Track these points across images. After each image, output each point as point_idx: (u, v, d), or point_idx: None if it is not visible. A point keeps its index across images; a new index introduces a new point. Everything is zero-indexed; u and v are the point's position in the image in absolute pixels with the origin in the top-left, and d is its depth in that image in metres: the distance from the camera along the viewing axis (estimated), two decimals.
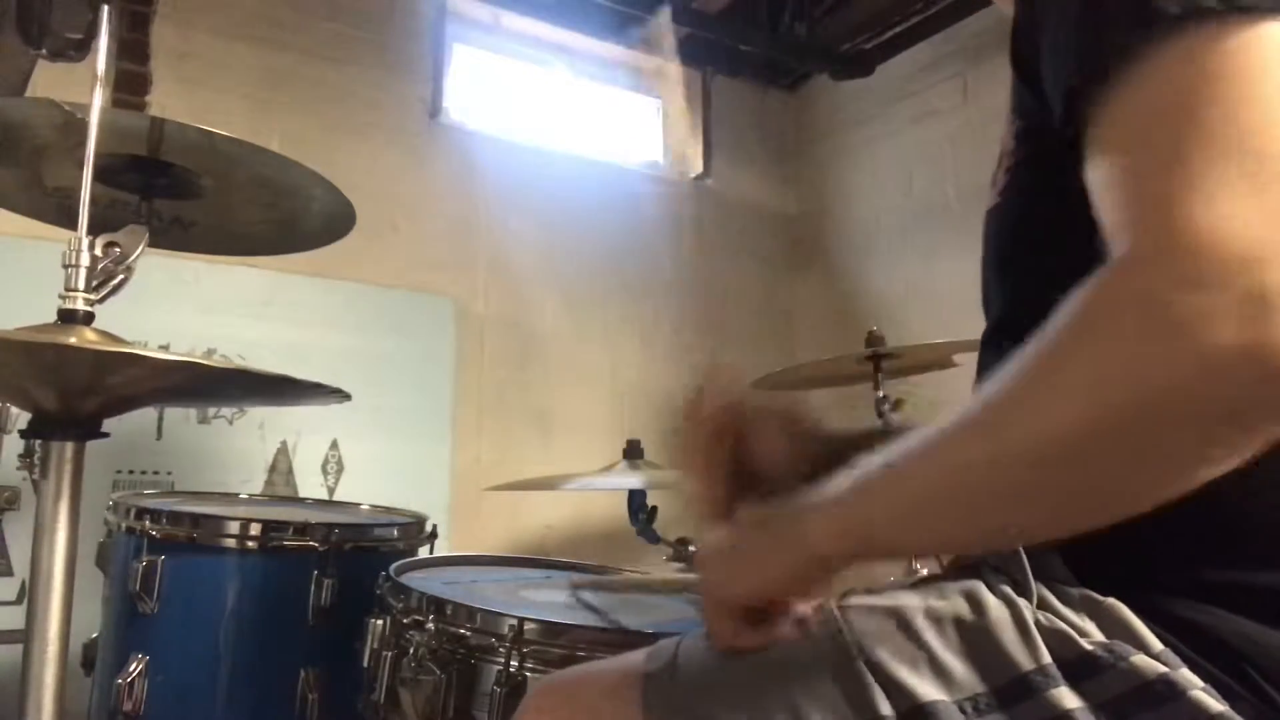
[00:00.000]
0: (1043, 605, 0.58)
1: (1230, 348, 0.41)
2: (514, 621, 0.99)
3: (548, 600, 1.25)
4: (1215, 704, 0.50)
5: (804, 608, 0.63)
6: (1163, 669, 0.52)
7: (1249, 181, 0.43)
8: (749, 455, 0.82)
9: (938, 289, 2.51)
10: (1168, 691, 0.51)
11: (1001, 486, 0.50)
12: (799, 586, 0.61)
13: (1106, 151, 0.50)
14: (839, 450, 0.85)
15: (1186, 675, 0.52)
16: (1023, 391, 0.48)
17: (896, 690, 0.55)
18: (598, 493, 2.33)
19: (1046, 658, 0.54)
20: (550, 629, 0.99)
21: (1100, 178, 0.50)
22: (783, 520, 0.61)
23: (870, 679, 0.56)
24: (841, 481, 0.57)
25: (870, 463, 0.55)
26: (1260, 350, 0.40)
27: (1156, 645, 0.54)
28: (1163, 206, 0.44)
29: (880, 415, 1.94)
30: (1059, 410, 0.46)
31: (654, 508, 1.69)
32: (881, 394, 1.86)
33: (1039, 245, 0.66)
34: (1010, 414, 0.48)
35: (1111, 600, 0.56)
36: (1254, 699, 0.52)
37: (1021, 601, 0.58)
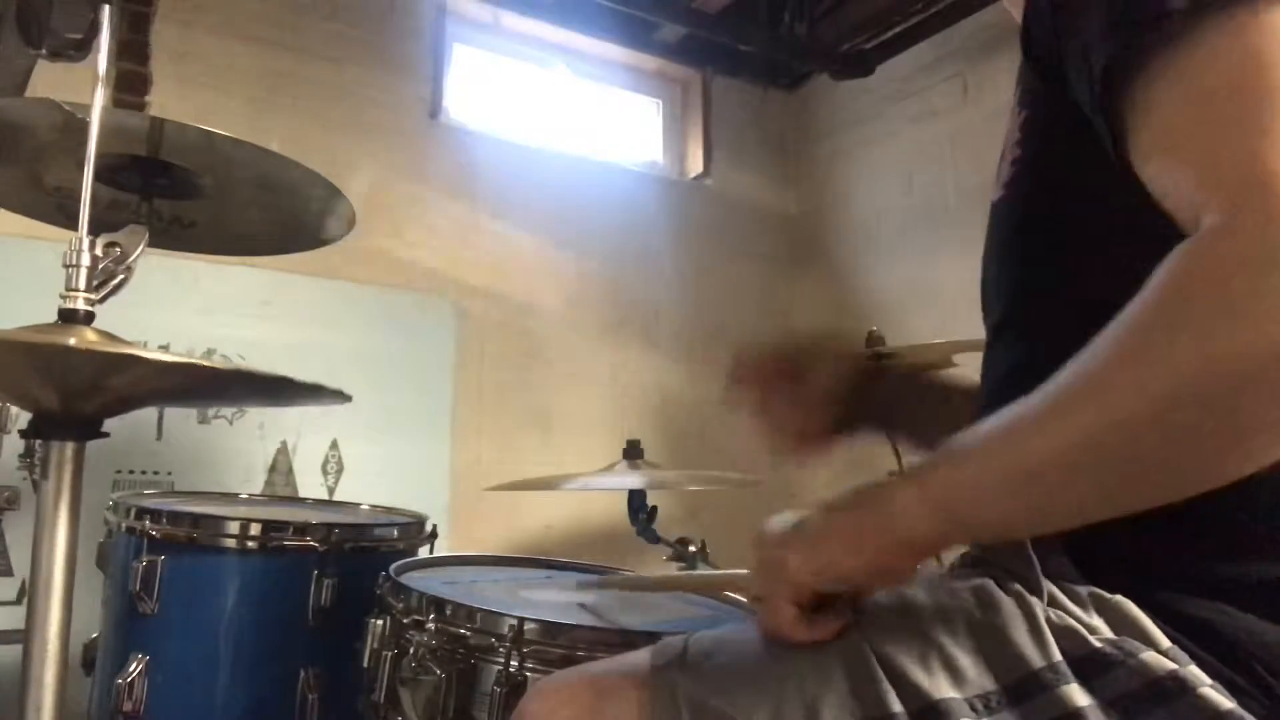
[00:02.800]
0: (1052, 603, 0.58)
1: None
2: (514, 621, 0.99)
3: (548, 600, 1.25)
4: (1224, 701, 0.51)
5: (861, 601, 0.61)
6: (1172, 665, 0.52)
7: None
8: (808, 385, 0.85)
9: (938, 289, 2.51)
10: (1177, 688, 0.51)
11: (1100, 459, 0.48)
12: (886, 573, 0.59)
13: (1169, 129, 0.49)
14: (900, 380, 0.89)
15: (1195, 672, 0.52)
16: (1120, 360, 0.47)
17: (907, 687, 0.55)
18: (598, 493, 2.33)
19: (1057, 655, 0.54)
20: (550, 629, 0.99)
21: (1166, 157, 0.49)
22: (869, 499, 0.59)
23: (881, 675, 0.56)
24: (930, 459, 0.56)
25: (959, 440, 0.55)
26: None
27: (1165, 642, 0.54)
28: (1251, 171, 0.43)
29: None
30: (1159, 378, 0.45)
31: (654, 508, 1.69)
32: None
33: (1045, 238, 0.66)
34: (1108, 387, 0.47)
35: (1119, 597, 0.56)
36: (1261, 695, 0.52)
37: (1032, 599, 0.58)
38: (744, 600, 1.24)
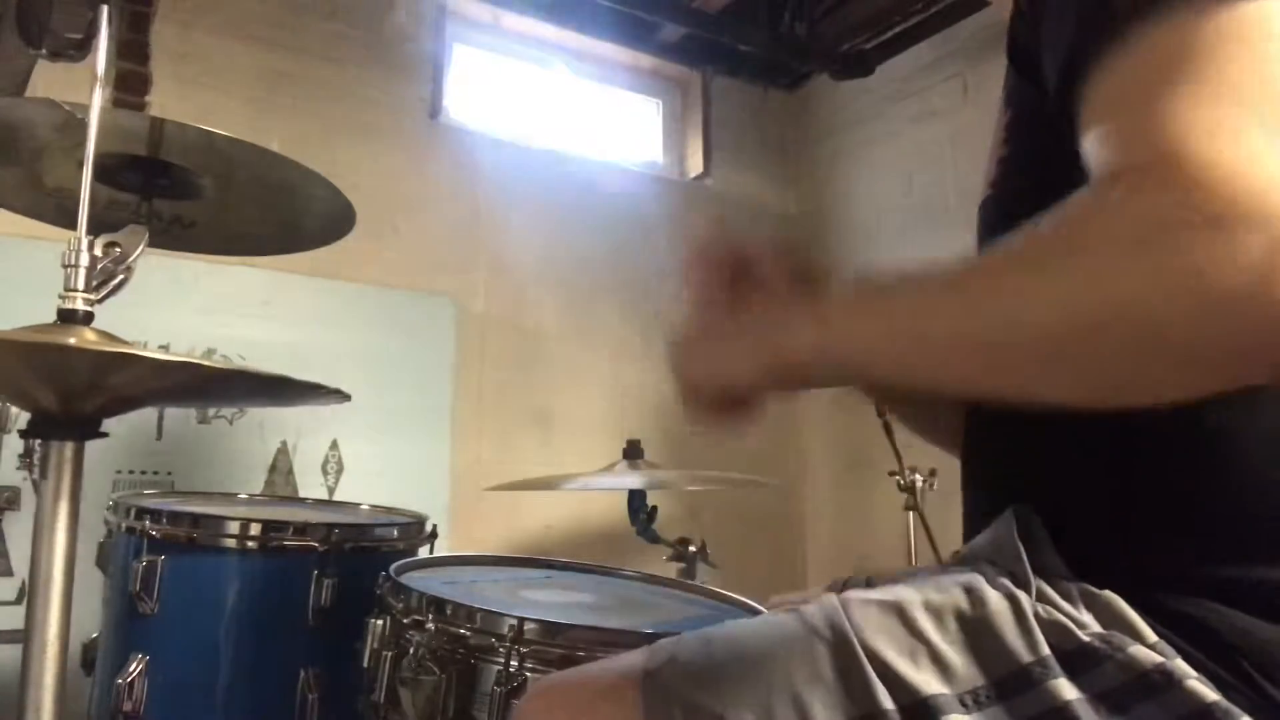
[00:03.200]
0: (1041, 598, 0.58)
1: (1240, 291, 0.40)
2: (514, 621, 0.99)
3: (548, 600, 1.25)
4: (1210, 693, 0.51)
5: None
6: (1159, 659, 0.52)
7: (1263, 128, 0.42)
8: (752, 283, 0.83)
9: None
10: (1164, 681, 0.52)
11: (975, 355, 0.49)
12: (766, 386, 0.62)
13: (1100, 108, 0.50)
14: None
15: (1182, 665, 0.52)
16: (1012, 274, 0.48)
17: (897, 683, 0.56)
18: (598, 493, 2.33)
19: (1045, 649, 0.55)
20: (550, 629, 0.99)
21: (1093, 132, 0.50)
22: (768, 322, 0.61)
23: (871, 672, 0.57)
24: (831, 300, 0.59)
25: (861, 289, 0.57)
26: (1270, 297, 0.40)
27: (1152, 636, 0.54)
28: (1180, 142, 0.43)
29: (880, 415, 1.94)
30: (1042, 304, 0.46)
31: (654, 508, 1.69)
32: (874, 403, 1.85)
33: None
34: (996, 291, 0.48)
35: (1108, 593, 0.57)
36: (1247, 689, 0.52)
37: (1020, 594, 0.58)
38: (744, 600, 1.24)
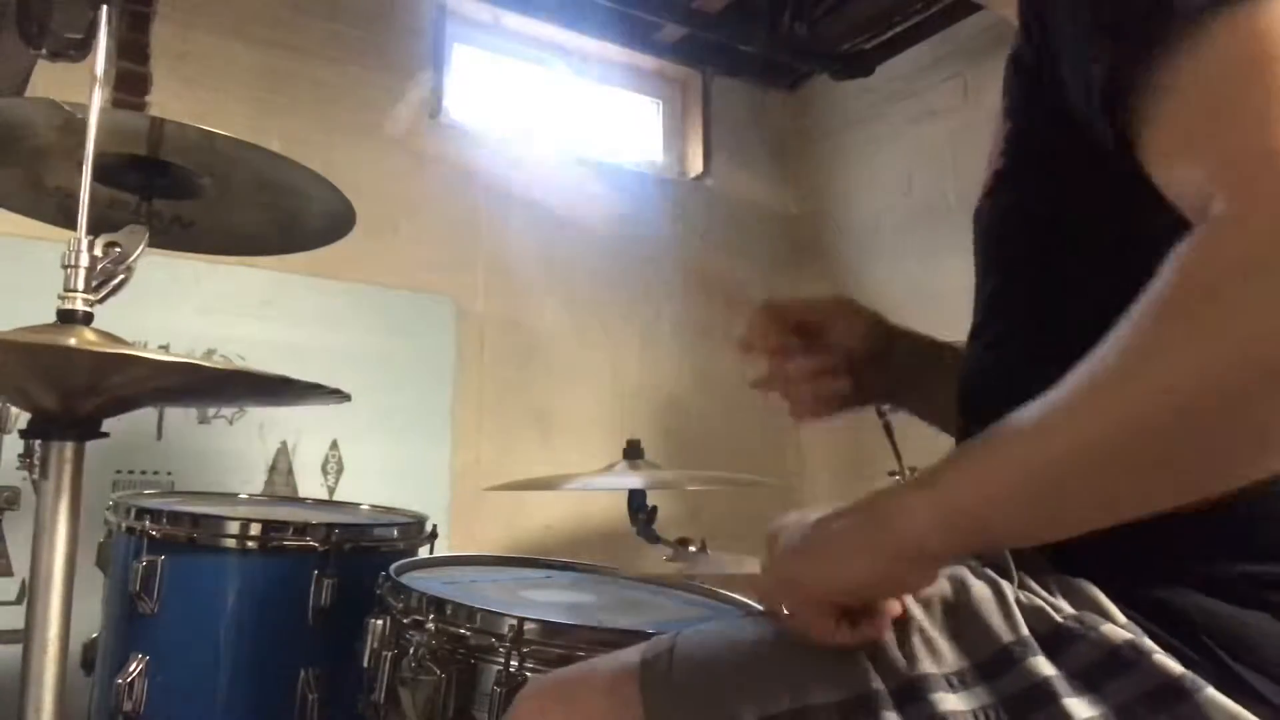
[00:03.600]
0: (1022, 586, 0.61)
1: None
2: (514, 621, 0.99)
3: (548, 600, 1.25)
4: (1177, 667, 0.53)
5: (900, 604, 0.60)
6: (1128, 636, 0.55)
7: None
8: (824, 344, 0.87)
9: (938, 289, 2.50)
10: (1133, 655, 0.53)
11: (1120, 461, 0.47)
12: (901, 583, 0.58)
13: (1176, 125, 0.49)
14: (892, 337, 0.91)
15: (1148, 642, 0.54)
16: (1135, 357, 0.46)
17: (887, 666, 0.58)
18: (598, 493, 2.33)
19: (1025, 630, 0.57)
20: (550, 629, 0.99)
21: (1179, 160, 0.49)
22: (879, 506, 0.57)
23: (864, 657, 0.59)
24: (943, 464, 0.55)
25: (974, 443, 0.53)
26: None
27: (1121, 617, 0.57)
28: (1260, 162, 0.43)
29: (880, 415, 1.94)
30: (1177, 373, 0.44)
31: (654, 508, 1.69)
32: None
33: (1021, 248, 0.68)
34: (1123, 383, 0.46)
35: (1082, 580, 0.60)
36: (1209, 664, 0.54)
37: (1004, 582, 0.61)
38: (744, 600, 1.24)
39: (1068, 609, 0.58)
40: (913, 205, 2.73)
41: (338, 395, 1.08)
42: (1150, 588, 0.57)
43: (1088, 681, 0.54)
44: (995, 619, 0.58)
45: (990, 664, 0.57)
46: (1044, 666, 0.54)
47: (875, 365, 0.89)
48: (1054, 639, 0.56)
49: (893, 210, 2.80)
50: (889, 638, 0.59)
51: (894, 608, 0.59)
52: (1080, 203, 0.59)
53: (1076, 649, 0.55)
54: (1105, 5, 0.53)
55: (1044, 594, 0.60)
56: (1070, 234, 0.62)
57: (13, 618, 1.82)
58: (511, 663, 0.96)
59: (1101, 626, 0.55)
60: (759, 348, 0.89)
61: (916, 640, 0.59)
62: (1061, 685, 0.53)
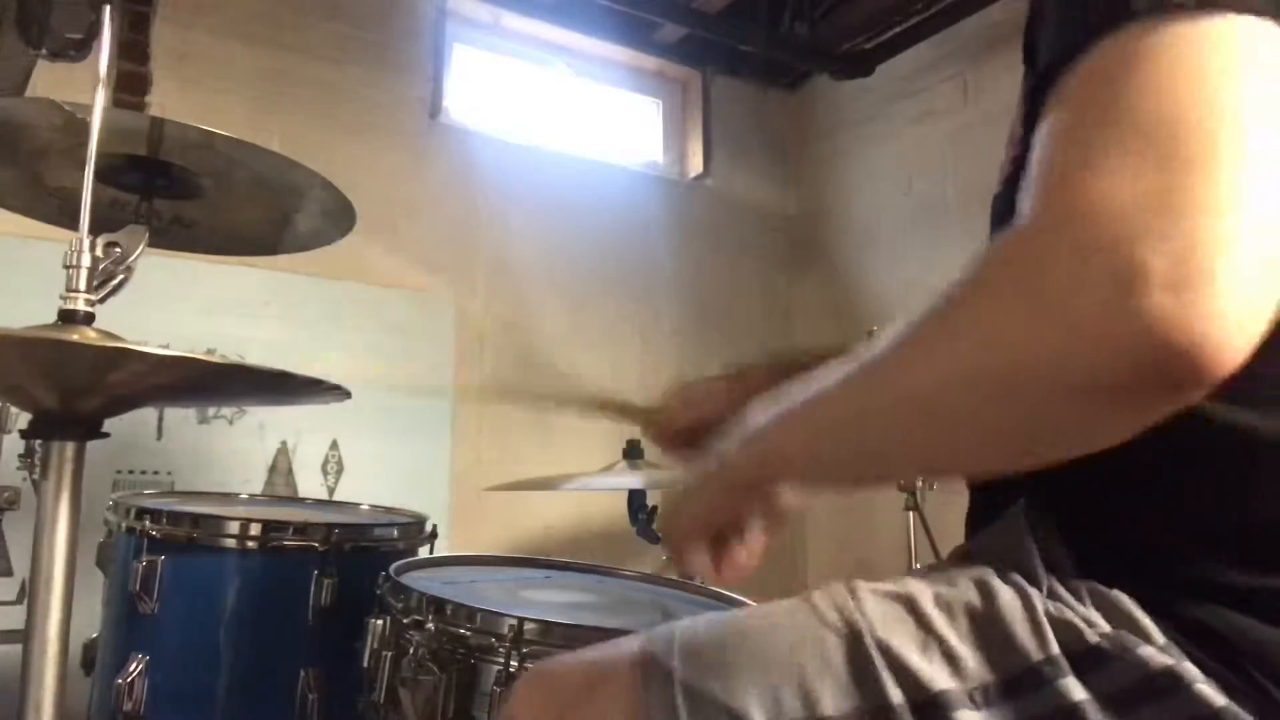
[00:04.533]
0: (1051, 595, 0.58)
1: (1094, 318, 0.42)
2: (514, 621, 0.99)
3: (548, 600, 1.25)
4: (1218, 697, 0.51)
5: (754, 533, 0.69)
6: (1168, 661, 0.52)
7: (1135, 162, 0.44)
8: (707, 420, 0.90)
9: (938, 289, 2.50)
10: (1172, 685, 0.51)
11: (892, 431, 0.53)
12: (732, 508, 0.65)
13: (1040, 125, 0.51)
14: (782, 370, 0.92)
15: (1190, 668, 0.52)
16: (913, 344, 0.52)
17: (907, 677, 0.55)
18: (598, 493, 2.33)
19: (1055, 648, 0.54)
20: (550, 629, 0.99)
21: (1037, 149, 0.52)
22: (716, 456, 0.65)
23: (881, 664, 0.56)
24: (764, 416, 0.61)
25: (787, 397, 0.59)
26: (1122, 323, 0.41)
27: (1160, 638, 0.54)
28: (1059, 176, 0.46)
29: None
30: (941, 364, 0.49)
31: (654, 508, 1.69)
32: None
33: None
34: (900, 365, 0.52)
35: (1117, 592, 0.57)
36: (1254, 694, 0.52)
37: (1032, 591, 0.58)
38: (744, 600, 1.24)
39: (1102, 625, 0.55)
40: (913, 205, 2.73)
41: (337, 392, 1.08)
42: (1188, 603, 0.55)
43: (1120, 708, 0.52)
44: (1023, 633, 0.56)
45: (1017, 681, 0.54)
46: (1075, 690, 0.52)
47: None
48: (1086, 658, 0.54)
49: (893, 210, 2.80)
50: (908, 644, 0.57)
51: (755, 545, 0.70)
52: None
53: (1110, 671, 0.53)
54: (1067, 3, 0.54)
55: (1076, 605, 0.57)
56: None
57: (13, 618, 1.82)
58: (511, 663, 0.96)
59: (1138, 649, 0.53)
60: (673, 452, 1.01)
61: (937, 650, 0.57)
62: (1092, 711, 0.52)
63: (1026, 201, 0.48)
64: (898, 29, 2.74)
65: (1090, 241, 0.43)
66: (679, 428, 0.99)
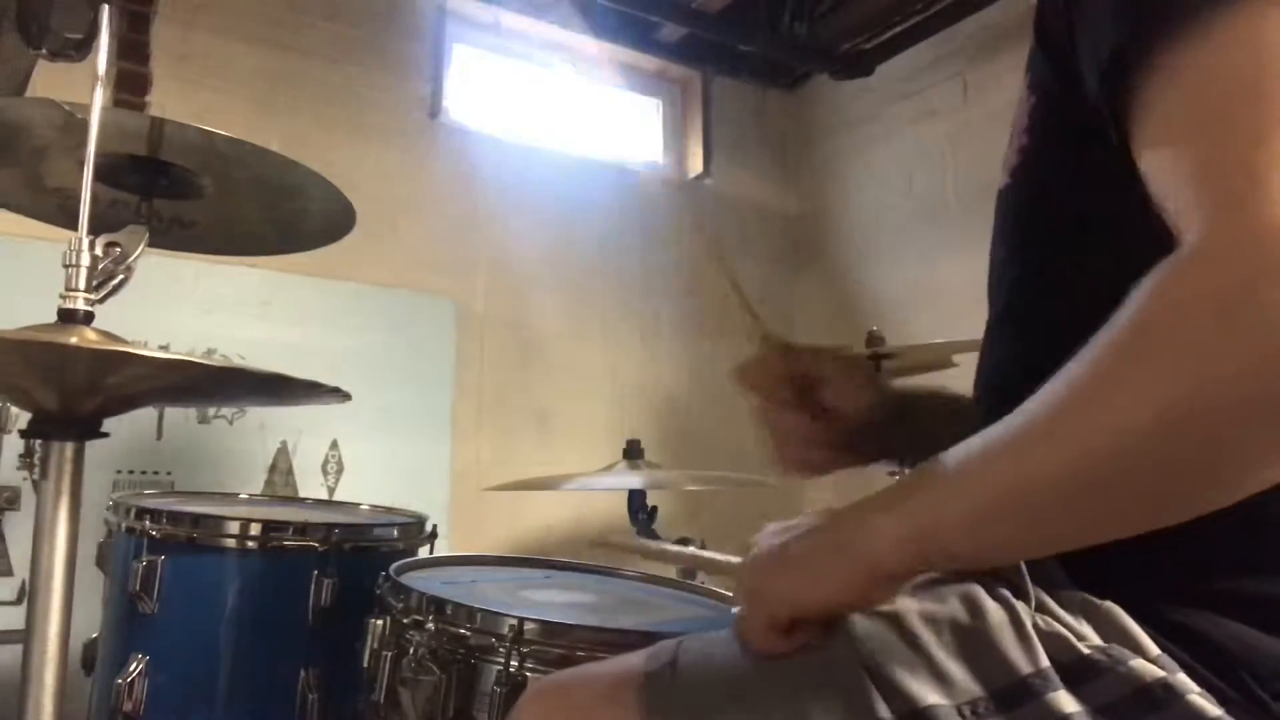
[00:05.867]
0: (1040, 609, 0.57)
1: None
2: (514, 621, 0.98)
3: (548, 600, 1.25)
4: (1212, 708, 0.50)
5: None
6: (1160, 673, 0.52)
7: None
8: (816, 397, 0.84)
9: (938, 289, 2.51)
10: (1166, 696, 0.51)
11: (1074, 490, 0.47)
12: (861, 600, 0.58)
13: (1168, 125, 0.48)
14: (902, 403, 0.87)
15: (1183, 679, 0.51)
16: (1093, 390, 0.46)
17: (895, 694, 0.55)
18: (598, 493, 2.33)
19: (1044, 661, 0.54)
20: (550, 629, 0.99)
21: (1162, 154, 0.48)
22: (844, 526, 0.58)
23: (868, 682, 0.56)
24: (904, 485, 0.55)
25: (934, 466, 0.53)
26: None
27: (1153, 650, 0.53)
28: (1240, 192, 0.42)
29: None
30: (1133, 410, 0.44)
31: (654, 508, 1.69)
32: None
33: (1051, 225, 0.65)
34: (1080, 414, 0.46)
35: (1109, 604, 0.56)
36: (1248, 704, 0.52)
37: (1019, 604, 0.57)
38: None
39: (1093, 637, 0.55)
40: (913, 205, 2.73)
41: (337, 395, 1.08)
42: (1181, 612, 0.55)
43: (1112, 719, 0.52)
44: (1012, 647, 0.55)
45: (1006, 695, 0.53)
46: (1066, 702, 0.51)
47: (871, 433, 0.85)
48: (1077, 670, 0.53)
49: (893, 210, 2.80)
50: (896, 662, 0.56)
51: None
52: (1109, 179, 0.55)
53: (1102, 683, 0.52)
54: None
55: (1065, 618, 0.56)
56: (1100, 213, 0.59)
57: (13, 618, 1.82)
58: (511, 663, 0.96)
59: (1131, 661, 0.52)
60: (754, 388, 0.88)
61: (925, 667, 0.55)
62: None
63: (1193, 219, 0.45)
64: (897, 29, 2.74)
65: None
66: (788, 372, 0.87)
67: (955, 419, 0.81)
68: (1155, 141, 0.49)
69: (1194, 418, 0.42)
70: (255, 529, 1.32)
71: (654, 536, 1.68)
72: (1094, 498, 0.47)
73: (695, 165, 3.04)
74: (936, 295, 2.50)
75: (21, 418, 1.03)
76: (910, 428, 0.86)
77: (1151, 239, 0.47)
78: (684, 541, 1.69)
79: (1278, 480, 0.44)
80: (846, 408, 0.84)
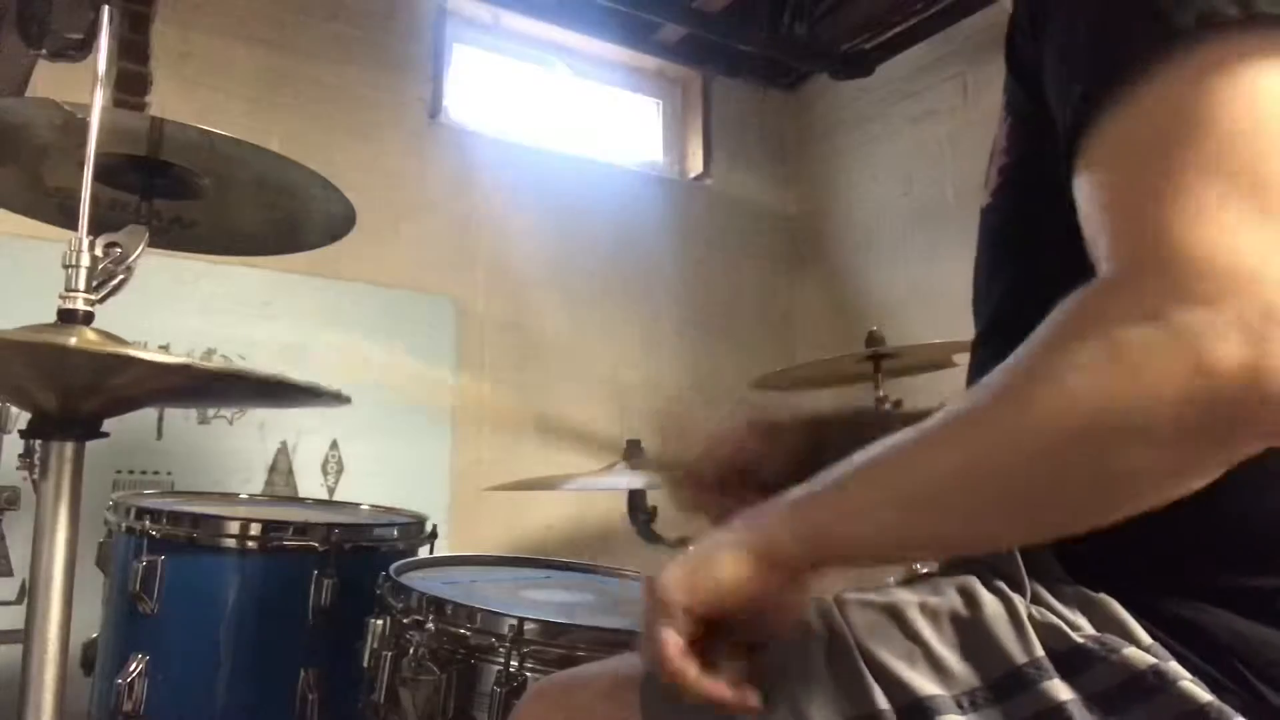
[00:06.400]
0: (1036, 600, 0.58)
1: (1231, 364, 0.40)
2: (514, 621, 0.99)
3: (548, 600, 1.25)
4: (1203, 694, 0.51)
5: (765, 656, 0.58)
6: (1153, 660, 0.53)
7: (1252, 205, 0.43)
8: (737, 467, 0.83)
9: (938, 289, 2.51)
10: (1158, 683, 0.52)
11: (977, 495, 0.49)
12: (758, 593, 0.56)
13: (1101, 167, 0.50)
14: (821, 438, 0.86)
15: (1175, 667, 0.53)
16: (1002, 403, 0.48)
17: (893, 685, 0.56)
18: (598, 493, 2.33)
19: (1039, 650, 0.55)
20: (550, 629, 1.00)
21: (1092, 192, 0.50)
22: (752, 519, 0.58)
23: (867, 674, 0.56)
24: (810, 482, 0.56)
25: (840, 465, 0.55)
26: (1260, 369, 0.40)
27: (1146, 639, 0.54)
28: (1161, 224, 0.44)
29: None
30: (1039, 424, 0.45)
31: (654, 508, 1.69)
32: (881, 394, 1.86)
33: (1032, 244, 0.66)
34: (988, 426, 0.48)
35: (1103, 595, 0.57)
36: (1240, 691, 0.53)
37: (1015, 596, 0.58)
38: None
39: (1087, 628, 0.56)
40: (913, 205, 2.73)
41: (337, 397, 1.08)
42: (1174, 602, 0.56)
43: (1106, 707, 0.52)
44: (1008, 637, 0.56)
45: (1002, 685, 0.55)
46: (1060, 690, 0.53)
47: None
48: (1071, 659, 0.54)
49: (893, 210, 2.80)
50: (894, 653, 0.57)
51: (756, 675, 0.57)
52: None
53: (1096, 672, 0.53)
54: (1097, 18, 0.52)
55: (1061, 609, 0.57)
56: (1082, 239, 0.61)
57: (13, 618, 1.82)
58: (511, 663, 0.96)
59: (1124, 649, 0.53)
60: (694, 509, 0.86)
61: (923, 658, 0.57)
62: (1079, 711, 0.52)
63: (1116, 248, 0.46)
64: (898, 29, 2.74)
65: (1215, 285, 0.41)
66: (708, 473, 0.86)
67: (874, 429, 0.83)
68: (1087, 175, 0.51)
69: (1088, 436, 0.44)
70: (255, 529, 1.32)
71: (654, 536, 1.68)
72: (988, 503, 0.49)
73: (695, 165, 3.04)
74: (936, 295, 2.50)
75: (21, 418, 1.03)
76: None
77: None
78: (684, 542, 1.69)
79: (1162, 502, 0.45)
80: (786, 477, 0.84)
